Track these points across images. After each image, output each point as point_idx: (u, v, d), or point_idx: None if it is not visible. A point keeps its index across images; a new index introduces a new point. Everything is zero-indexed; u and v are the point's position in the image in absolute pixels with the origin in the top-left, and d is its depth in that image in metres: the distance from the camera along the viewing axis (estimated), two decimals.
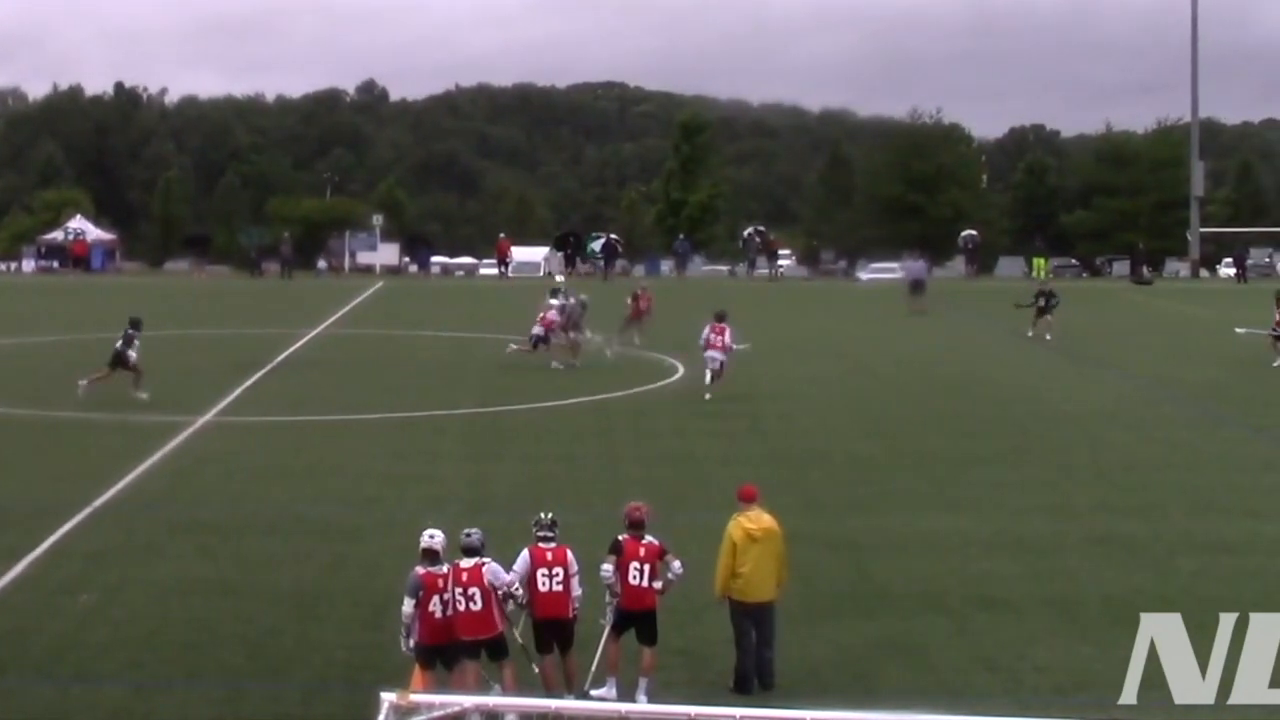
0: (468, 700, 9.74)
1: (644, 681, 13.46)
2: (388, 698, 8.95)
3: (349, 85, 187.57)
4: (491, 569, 12.92)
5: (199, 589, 16.91)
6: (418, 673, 12.74)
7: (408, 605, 12.89)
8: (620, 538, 13.79)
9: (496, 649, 12.96)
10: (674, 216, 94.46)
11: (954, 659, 14.95)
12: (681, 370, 34.97)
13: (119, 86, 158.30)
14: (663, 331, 40.13)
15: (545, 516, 13.63)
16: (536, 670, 13.19)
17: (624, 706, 9.73)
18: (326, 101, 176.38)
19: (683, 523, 17.48)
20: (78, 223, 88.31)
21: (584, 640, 13.61)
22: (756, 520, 14.12)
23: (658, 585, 13.70)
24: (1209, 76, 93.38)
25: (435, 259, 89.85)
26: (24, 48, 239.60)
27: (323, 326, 45.01)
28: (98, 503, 20.93)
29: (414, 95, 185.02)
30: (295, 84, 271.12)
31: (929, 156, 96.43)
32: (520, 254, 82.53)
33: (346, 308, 53.11)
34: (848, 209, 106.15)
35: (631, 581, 13.60)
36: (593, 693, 13.31)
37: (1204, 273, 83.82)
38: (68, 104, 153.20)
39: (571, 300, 36.64)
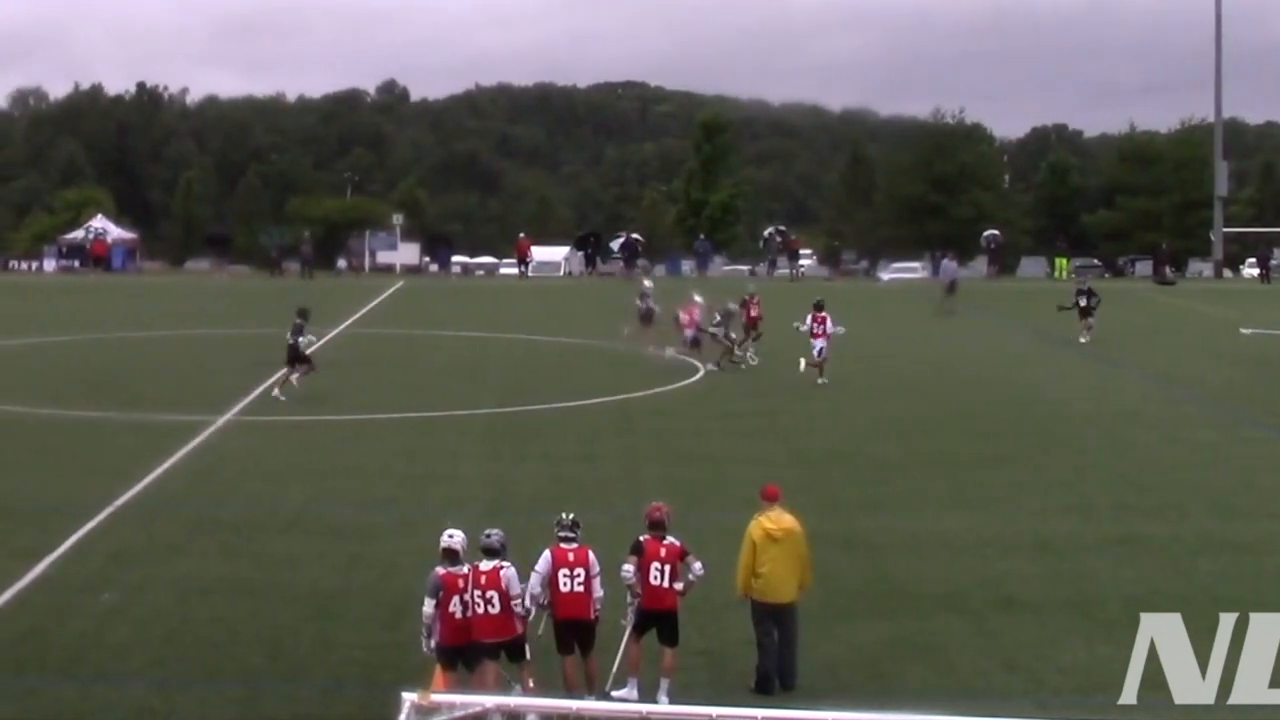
0: (489, 700, 9.72)
1: (665, 682, 13.44)
2: (409, 697, 8.93)
3: (369, 85, 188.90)
4: (508, 575, 12.88)
5: (219, 588, 16.95)
6: (439, 673, 12.74)
7: (428, 606, 12.88)
8: (641, 538, 13.77)
9: (515, 651, 12.95)
10: (695, 216, 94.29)
11: (974, 659, 14.93)
12: (701, 371, 34.96)
13: (140, 86, 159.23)
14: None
15: (566, 517, 13.60)
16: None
17: (645, 707, 9.70)
18: (347, 101, 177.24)
19: (703, 523, 17.44)
20: (99, 222, 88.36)
21: (605, 641, 13.59)
22: (777, 520, 14.10)
23: (679, 586, 13.67)
24: (1232, 76, 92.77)
25: (455, 259, 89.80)
26: (45, 47, 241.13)
27: (343, 326, 45.03)
28: (119, 502, 20.99)
29: (434, 95, 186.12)
30: (316, 84, 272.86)
31: (951, 156, 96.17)
32: (540, 254, 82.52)
33: (367, 307, 53.16)
34: (868, 209, 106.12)
35: (653, 582, 13.58)
36: (614, 693, 13.31)
37: (1227, 273, 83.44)
38: (89, 104, 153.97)
39: (699, 299, 37.24)
